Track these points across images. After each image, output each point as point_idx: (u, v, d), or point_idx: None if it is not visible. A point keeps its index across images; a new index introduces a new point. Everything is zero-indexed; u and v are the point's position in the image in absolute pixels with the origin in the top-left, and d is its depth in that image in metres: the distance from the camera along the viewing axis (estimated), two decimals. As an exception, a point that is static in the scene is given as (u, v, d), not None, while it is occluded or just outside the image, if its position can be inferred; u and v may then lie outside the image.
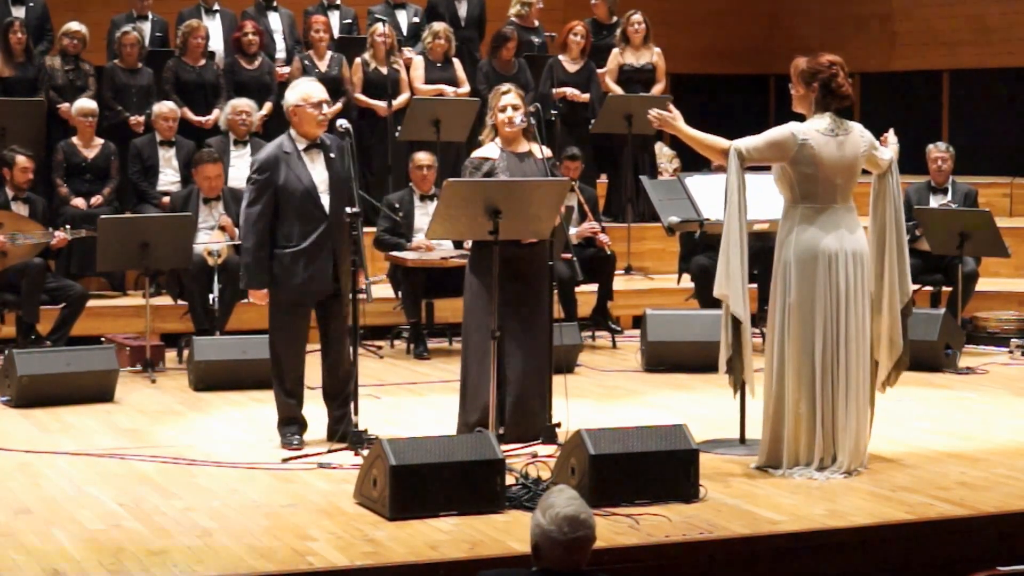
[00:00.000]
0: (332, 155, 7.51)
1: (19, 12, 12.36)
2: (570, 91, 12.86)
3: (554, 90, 12.77)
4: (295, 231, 7.45)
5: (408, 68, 12.72)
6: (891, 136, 7.27)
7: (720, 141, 7.04)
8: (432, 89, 12.56)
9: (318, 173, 7.49)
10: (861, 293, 6.96)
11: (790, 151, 6.89)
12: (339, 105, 11.97)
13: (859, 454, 6.97)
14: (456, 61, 12.82)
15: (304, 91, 7.54)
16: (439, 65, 12.70)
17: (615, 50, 13.20)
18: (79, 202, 11.15)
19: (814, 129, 6.93)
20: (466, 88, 12.70)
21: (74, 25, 11.94)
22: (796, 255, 6.91)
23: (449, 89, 12.63)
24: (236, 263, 10.19)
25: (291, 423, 7.61)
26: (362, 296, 7.57)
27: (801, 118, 7.05)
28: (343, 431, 7.52)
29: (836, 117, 6.98)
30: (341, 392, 7.64)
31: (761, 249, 10.19)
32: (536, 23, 13.64)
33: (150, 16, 12.84)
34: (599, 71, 13.14)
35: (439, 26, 12.74)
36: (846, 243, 6.91)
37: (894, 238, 7.11)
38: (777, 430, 6.99)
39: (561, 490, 4.62)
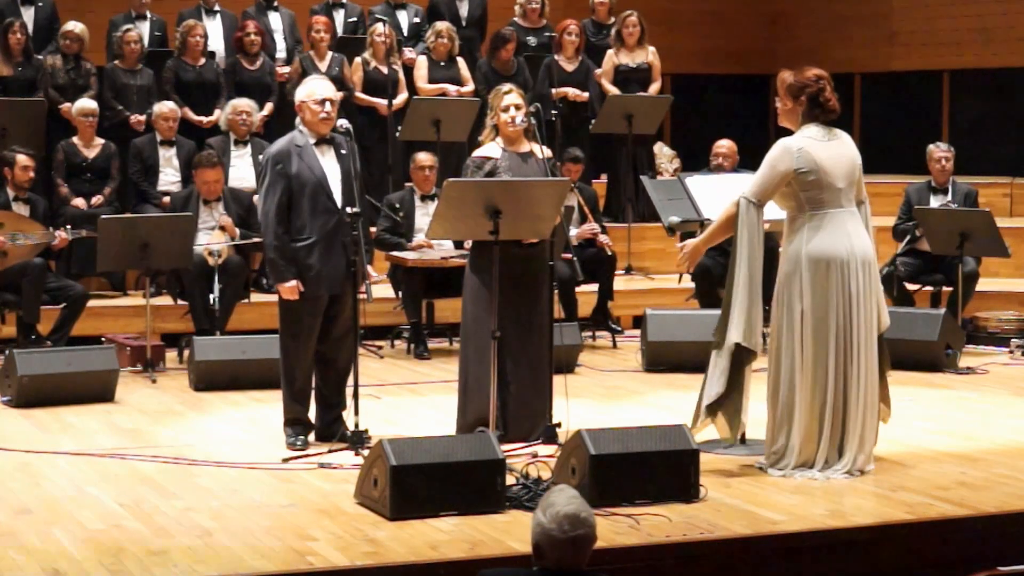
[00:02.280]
0: (343, 151, 7.52)
1: (28, 12, 12.39)
2: (572, 92, 12.87)
3: (554, 90, 12.77)
4: (308, 224, 7.45)
5: (409, 68, 12.72)
6: None
7: (727, 207, 7.04)
8: (435, 88, 12.56)
9: (329, 166, 7.50)
10: (871, 298, 6.97)
11: (790, 164, 6.89)
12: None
13: (865, 457, 6.97)
14: (460, 60, 12.82)
15: (309, 88, 7.57)
16: (443, 64, 12.71)
17: (610, 51, 13.20)
18: (79, 202, 11.14)
19: (806, 137, 6.96)
20: (470, 87, 12.70)
21: (70, 26, 11.93)
22: (807, 263, 6.90)
23: (452, 88, 12.63)
24: (237, 263, 10.23)
25: (296, 424, 7.61)
26: (362, 296, 7.57)
27: (788, 133, 7.09)
28: (340, 434, 7.52)
29: (823, 126, 6.99)
30: (335, 395, 7.64)
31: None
32: (544, 22, 13.63)
33: (148, 15, 12.83)
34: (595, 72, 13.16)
35: (442, 25, 12.74)
36: (856, 249, 6.92)
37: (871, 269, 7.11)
38: (784, 432, 6.98)
39: (562, 489, 4.62)
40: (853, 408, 6.93)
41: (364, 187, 7.75)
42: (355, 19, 13.28)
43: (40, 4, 12.49)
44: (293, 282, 7.43)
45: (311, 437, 7.63)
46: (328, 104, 7.50)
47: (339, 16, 13.19)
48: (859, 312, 6.92)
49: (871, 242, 7.09)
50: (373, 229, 10.52)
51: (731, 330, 6.93)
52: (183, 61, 12.15)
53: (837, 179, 6.94)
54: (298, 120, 7.64)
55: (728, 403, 7.05)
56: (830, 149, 6.95)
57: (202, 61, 12.20)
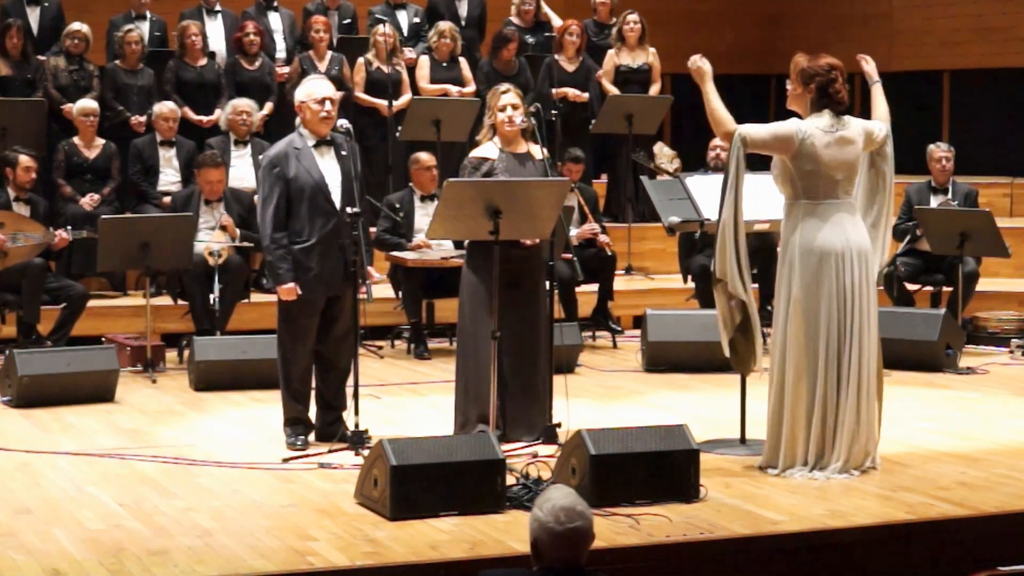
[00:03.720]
0: (343, 152, 7.51)
1: (33, 13, 12.40)
2: (572, 92, 12.86)
3: (554, 90, 12.77)
4: (306, 226, 7.44)
5: (411, 69, 12.72)
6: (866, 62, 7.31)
7: (728, 121, 7.03)
8: (437, 89, 12.56)
9: (329, 169, 7.48)
10: (867, 290, 6.96)
11: (792, 146, 6.90)
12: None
13: (862, 452, 6.96)
14: (463, 60, 12.82)
15: (308, 88, 7.56)
16: (444, 64, 12.70)
17: (611, 51, 13.20)
18: (85, 200, 11.14)
19: (815, 126, 6.95)
20: (472, 87, 12.70)
21: (76, 25, 11.96)
22: (800, 252, 6.91)
23: (454, 89, 12.63)
24: (237, 263, 10.24)
25: (296, 423, 7.61)
26: (363, 297, 7.57)
27: (796, 114, 7.08)
28: (340, 434, 7.52)
29: (834, 115, 6.99)
30: (335, 395, 7.63)
31: (760, 247, 10.20)
32: (536, 22, 13.62)
33: (148, 16, 12.83)
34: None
35: (445, 25, 12.74)
36: (852, 240, 6.92)
37: (885, 211, 7.12)
38: (779, 429, 6.98)
39: (558, 487, 4.64)
40: (844, 402, 6.91)
41: (364, 188, 7.71)
42: (349, 20, 13.28)
43: (46, 4, 12.51)
44: (291, 284, 7.42)
45: (311, 437, 7.63)
46: (328, 103, 7.49)
47: (333, 17, 13.19)
48: (854, 304, 6.91)
49: (888, 184, 7.08)
50: (373, 230, 10.52)
51: (722, 267, 6.95)
52: (184, 62, 12.15)
53: (836, 171, 6.94)
54: (298, 121, 7.64)
55: (740, 338, 7.06)
56: (835, 142, 6.93)
57: (203, 61, 12.20)
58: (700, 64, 7.19)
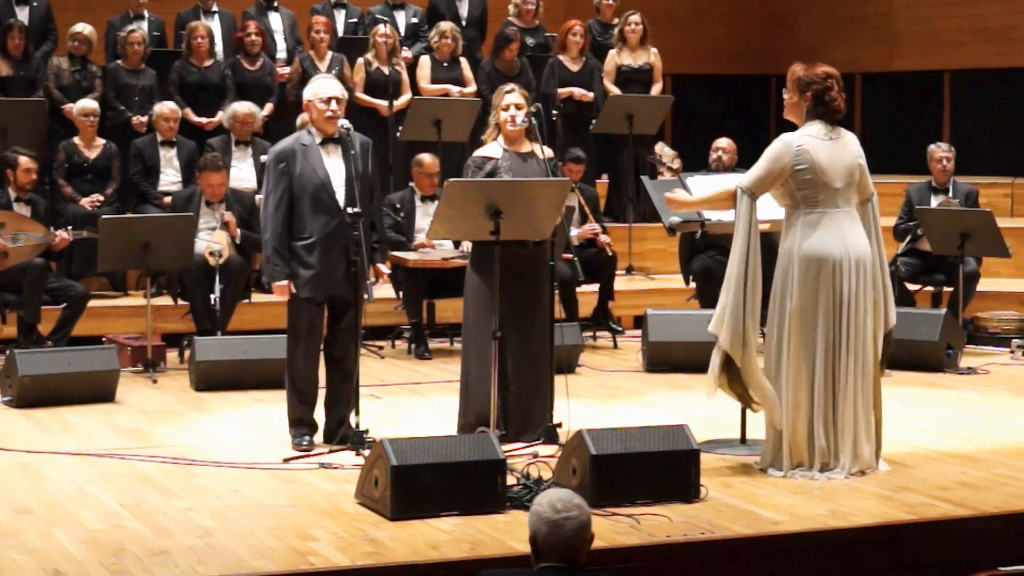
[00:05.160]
0: (352, 151, 7.49)
1: (22, 12, 12.39)
2: (578, 91, 12.87)
3: (559, 90, 12.77)
4: (309, 224, 7.44)
5: (409, 69, 12.72)
6: None
7: (721, 188, 7.02)
8: (438, 89, 12.56)
9: (334, 167, 7.48)
10: (864, 298, 6.95)
11: (789, 160, 6.88)
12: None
13: (862, 458, 6.96)
14: (463, 60, 12.82)
15: (316, 87, 7.56)
16: (445, 65, 12.70)
17: (612, 51, 13.21)
18: (87, 202, 11.13)
19: (807, 135, 6.94)
20: (473, 87, 12.70)
21: (79, 27, 11.96)
22: (799, 260, 6.90)
23: (455, 89, 12.63)
24: (238, 263, 10.24)
25: (301, 424, 7.61)
26: (363, 296, 7.57)
27: (793, 126, 7.08)
28: (342, 434, 7.52)
29: (827, 124, 6.98)
30: (341, 394, 7.63)
31: (760, 247, 10.18)
32: (537, 23, 13.64)
33: (146, 16, 12.83)
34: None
35: (446, 25, 12.73)
36: (850, 248, 6.91)
37: (877, 267, 7.08)
38: (777, 432, 6.98)
39: (555, 490, 4.66)
40: (842, 410, 6.91)
41: (372, 187, 7.67)
42: (356, 19, 13.29)
43: (35, 4, 12.50)
44: (284, 282, 7.43)
45: (317, 438, 7.63)
46: (334, 102, 7.48)
47: (340, 16, 13.20)
48: (850, 312, 6.91)
49: (876, 241, 7.05)
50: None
51: (718, 327, 6.88)
52: (189, 62, 12.15)
53: (834, 179, 6.93)
54: (299, 121, 7.63)
55: (735, 381, 6.98)
56: (831, 149, 6.94)
57: (209, 62, 12.20)
58: (672, 198, 7.24)
